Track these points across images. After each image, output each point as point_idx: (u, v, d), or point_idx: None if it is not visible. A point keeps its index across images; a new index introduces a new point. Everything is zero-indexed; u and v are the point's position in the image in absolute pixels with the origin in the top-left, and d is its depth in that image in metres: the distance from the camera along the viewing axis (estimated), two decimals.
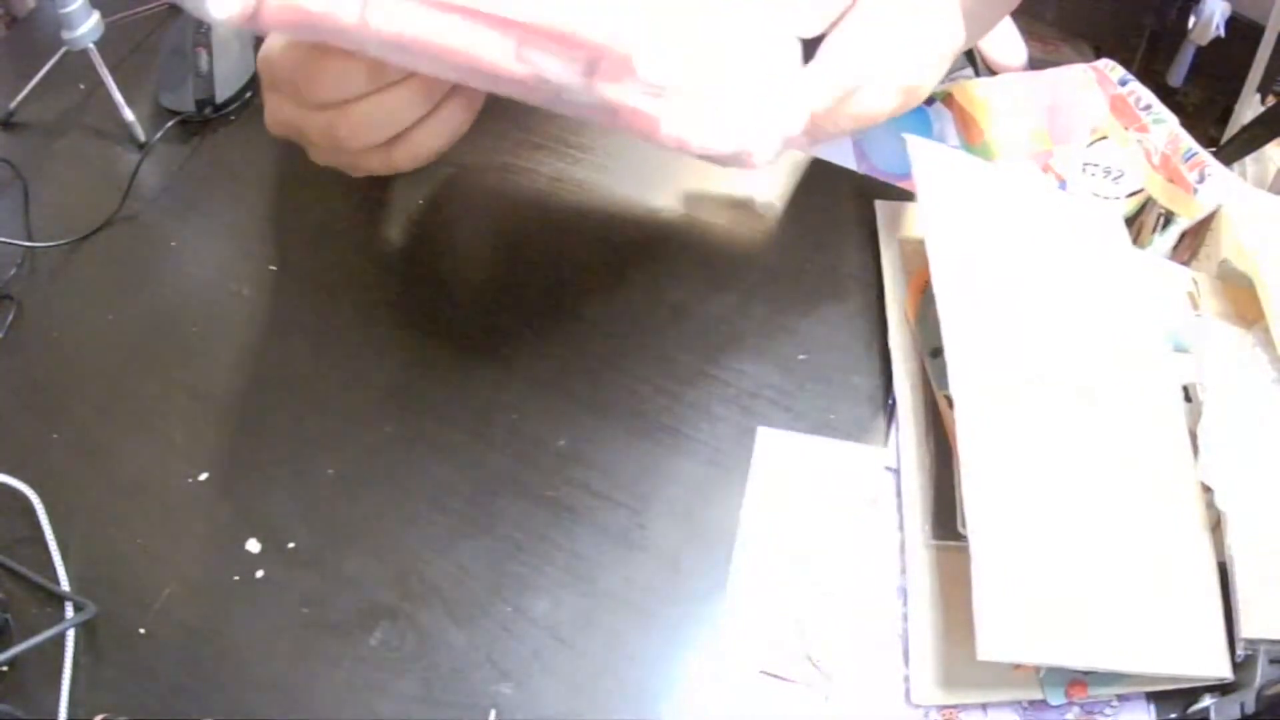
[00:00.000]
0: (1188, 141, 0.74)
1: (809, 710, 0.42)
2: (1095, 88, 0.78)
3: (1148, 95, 0.77)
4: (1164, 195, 0.73)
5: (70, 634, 0.43)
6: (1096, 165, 0.77)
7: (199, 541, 0.47)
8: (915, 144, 0.51)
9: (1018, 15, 0.85)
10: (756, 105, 0.36)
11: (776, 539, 0.46)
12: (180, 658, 0.44)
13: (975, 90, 0.79)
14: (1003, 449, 0.43)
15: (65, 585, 0.45)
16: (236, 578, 0.45)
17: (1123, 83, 0.78)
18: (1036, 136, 0.78)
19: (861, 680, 0.42)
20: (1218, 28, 1.12)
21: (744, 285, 0.54)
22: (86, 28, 0.54)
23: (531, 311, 0.53)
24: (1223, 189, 0.59)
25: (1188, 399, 0.48)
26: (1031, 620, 0.39)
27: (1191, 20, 1.15)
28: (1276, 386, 0.46)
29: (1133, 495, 0.44)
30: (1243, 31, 1.11)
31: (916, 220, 0.48)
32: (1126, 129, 0.76)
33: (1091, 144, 0.78)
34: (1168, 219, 0.72)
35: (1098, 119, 0.78)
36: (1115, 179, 0.76)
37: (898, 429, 0.48)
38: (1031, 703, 0.42)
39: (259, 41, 0.62)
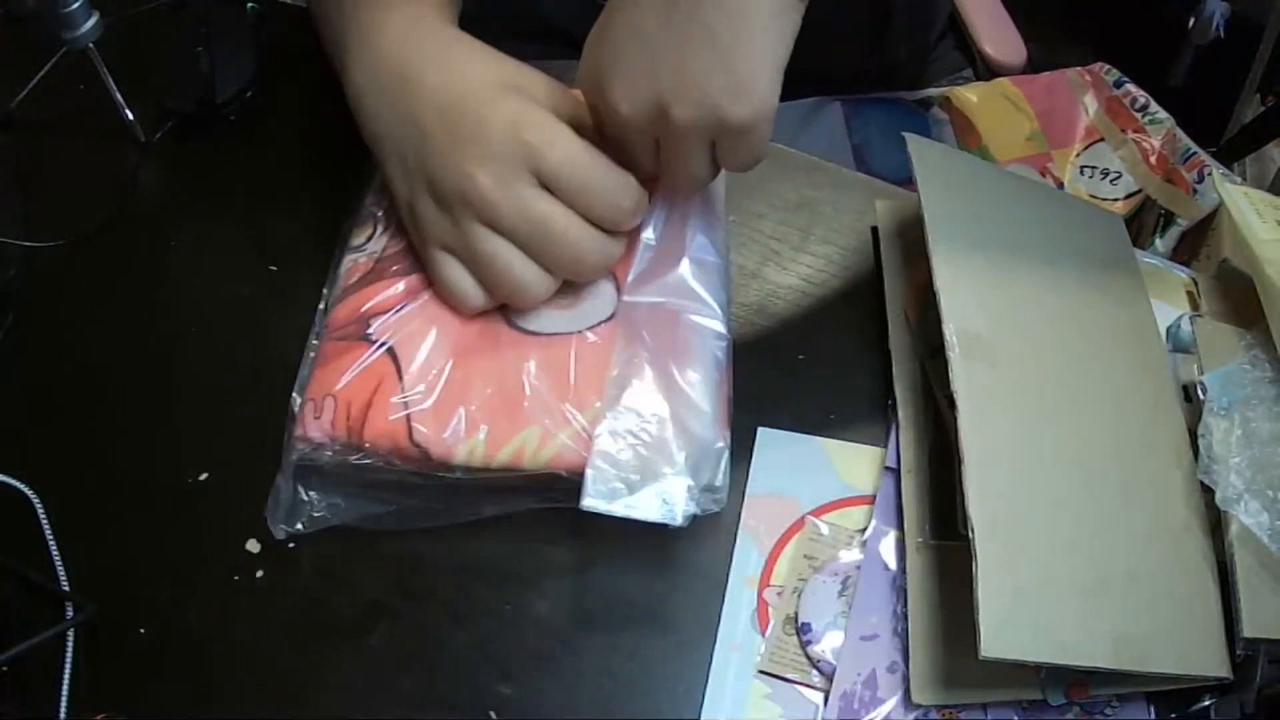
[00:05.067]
0: (1185, 141, 0.75)
1: (809, 710, 0.42)
2: (1090, 91, 0.79)
3: (1143, 97, 0.77)
4: (1162, 195, 0.74)
5: (70, 634, 0.43)
6: (1094, 168, 0.77)
7: (199, 541, 0.47)
8: (915, 143, 0.51)
9: (1018, 15, 0.85)
10: None
11: (776, 538, 0.46)
12: (180, 657, 0.44)
13: (972, 94, 0.79)
14: (1003, 449, 0.43)
15: (65, 585, 0.45)
16: (236, 578, 0.45)
17: (1118, 85, 0.78)
18: (1033, 140, 0.78)
19: (861, 680, 0.42)
20: (1218, 28, 1.13)
21: (743, 285, 0.54)
22: (86, 28, 0.54)
23: None
24: (1221, 189, 0.59)
25: (1188, 399, 0.48)
26: (1032, 620, 0.39)
27: (1191, 20, 1.15)
28: (1276, 386, 0.46)
29: (1133, 495, 0.44)
30: (1243, 31, 1.11)
31: (916, 220, 0.48)
32: (1123, 131, 0.76)
33: (1088, 147, 0.78)
34: (1168, 220, 0.72)
35: (1093, 122, 0.78)
36: (1112, 180, 0.76)
37: (898, 429, 0.48)
38: (1031, 703, 0.42)
39: (260, 42, 0.62)
